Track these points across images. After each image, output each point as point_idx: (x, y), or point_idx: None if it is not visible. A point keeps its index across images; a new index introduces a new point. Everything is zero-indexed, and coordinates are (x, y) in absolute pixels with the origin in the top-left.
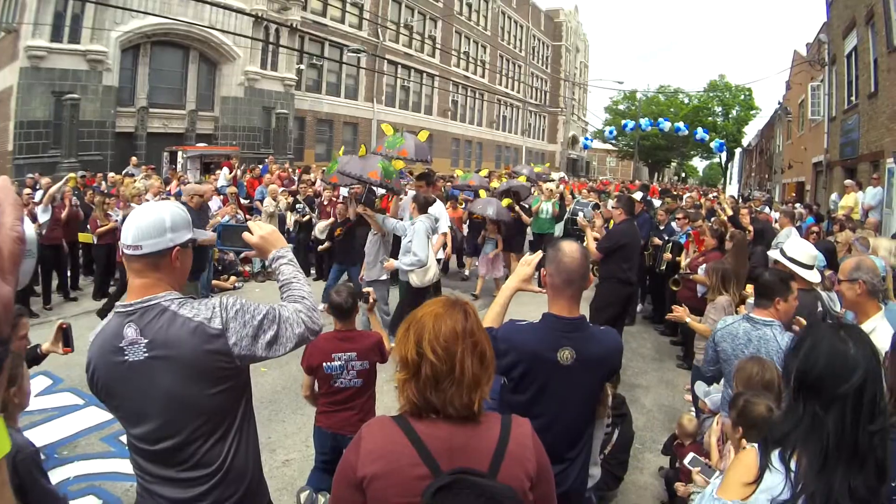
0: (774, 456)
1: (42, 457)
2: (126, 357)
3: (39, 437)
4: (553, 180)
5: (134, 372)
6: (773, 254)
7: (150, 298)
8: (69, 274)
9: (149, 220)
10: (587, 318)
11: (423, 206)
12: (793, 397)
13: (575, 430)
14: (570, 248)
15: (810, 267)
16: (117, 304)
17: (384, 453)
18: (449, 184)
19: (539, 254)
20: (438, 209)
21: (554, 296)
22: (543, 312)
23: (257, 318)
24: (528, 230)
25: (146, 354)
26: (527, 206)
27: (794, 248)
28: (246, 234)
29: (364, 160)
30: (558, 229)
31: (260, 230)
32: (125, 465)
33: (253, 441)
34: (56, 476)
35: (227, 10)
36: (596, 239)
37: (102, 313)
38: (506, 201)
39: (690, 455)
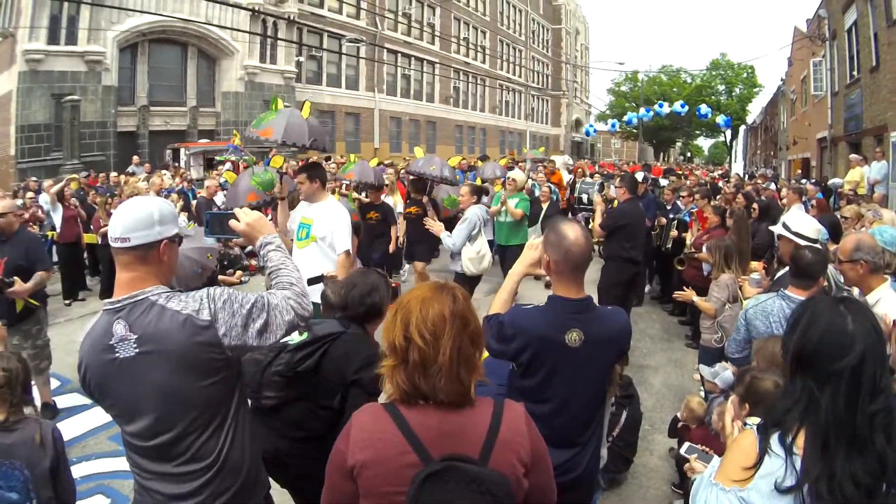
0: (774, 439)
1: None
2: (117, 354)
3: None
4: (513, 168)
5: (125, 369)
6: (777, 228)
7: (138, 293)
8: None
9: (137, 212)
10: (591, 298)
11: (475, 193)
12: (791, 375)
13: (586, 412)
14: (573, 232)
15: (815, 241)
16: (105, 301)
17: (373, 441)
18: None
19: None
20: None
21: (559, 279)
22: (549, 295)
23: (246, 307)
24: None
25: (136, 350)
26: (436, 199)
27: (797, 222)
28: (233, 222)
29: (235, 187)
30: (529, 234)
31: (246, 217)
32: None
33: (249, 432)
34: None
35: (224, 5)
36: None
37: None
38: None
39: (686, 444)
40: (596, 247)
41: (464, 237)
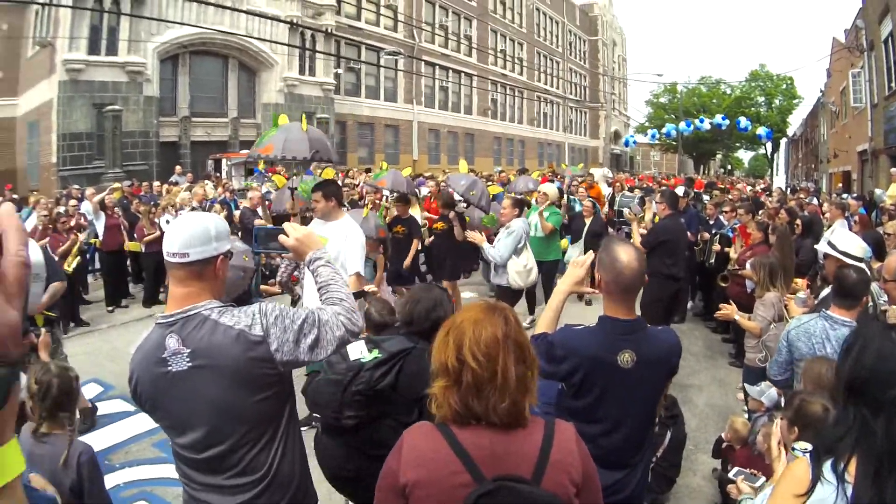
0: (826, 467)
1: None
2: (169, 368)
3: (93, 443)
4: (552, 180)
5: (178, 382)
6: (823, 247)
7: (191, 308)
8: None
9: (195, 228)
10: (641, 319)
11: (517, 205)
12: (843, 402)
13: (638, 434)
14: (627, 255)
15: (861, 259)
16: (158, 315)
17: (425, 461)
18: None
19: (591, 254)
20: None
21: (610, 299)
22: (599, 315)
23: (297, 322)
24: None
25: (189, 364)
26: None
27: (843, 241)
28: (282, 237)
29: (281, 193)
30: (572, 250)
31: (295, 232)
32: (175, 470)
33: (299, 446)
34: (108, 483)
35: (263, 18)
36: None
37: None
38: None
39: (735, 469)
40: None
41: (510, 249)
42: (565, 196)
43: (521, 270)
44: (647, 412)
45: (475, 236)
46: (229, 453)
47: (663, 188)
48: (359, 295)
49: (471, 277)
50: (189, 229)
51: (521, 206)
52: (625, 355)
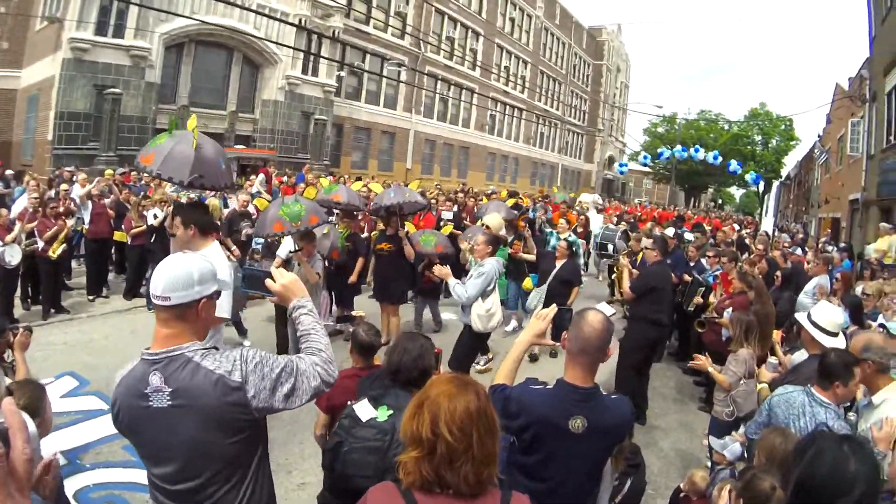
0: None
1: (65, 461)
2: (150, 403)
3: (63, 440)
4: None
5: (157, 417)
6: (800, 317)
7: (175, 349)
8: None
9: (178, 272)
10: (598, 387)
11: (492, 242)
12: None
13: (580, 495)
14: (593, 317)
15: (834, 334)
16: (144, 351)
17: None
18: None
19: (554, 308)
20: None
21: (570, 362)
22: (557, 378)
23: (276, 370)
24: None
25: (170, 402)
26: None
27: (820, 315)
28: (269, 282)
29: (264, 214)
30: (533, 296)
31: (282, 278)
32: (144, 476)
33: (267, 486)
34: (77, 483)
35: (271, 19)
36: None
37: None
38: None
39: None
40: (621, 307)
41: (478, 291)
42: (537, 226)
43: (483, 314)
44: (591, 477)
45: (442, 271)
46: (201, 489)
47: (655, 234)
48: (345, 319)
49: (451, 299)
50: (172, 273)
51: (497, 243)
52: (576, 421)
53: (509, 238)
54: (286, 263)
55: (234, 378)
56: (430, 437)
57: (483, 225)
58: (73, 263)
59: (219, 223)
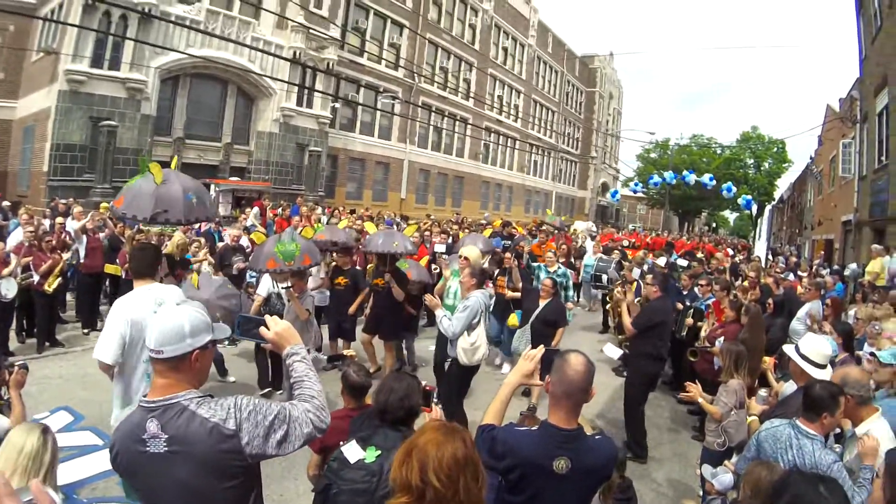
0: None
1: (61, 496)
2: (147, 448)
3: (60, 475)
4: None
5: (154, 462)
6: (788, 349)
7: (172, 397)
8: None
9: (170, 326)
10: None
11: (477, 276)
12: None
13: None
14: (576, 360)
15: (822, 366)
16: (142, 399)
17: None
18: None
19: (541, 348)
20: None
21: (554, 404)
22: (542, 420)
23: (269, 418)
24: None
25: (166, 448)
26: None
27: (808, 347)
28: (263, 329)
29: (259, 249)
30: (519, 336)
31: (276, 326)
32: None
33: None
34: None
35: (266, 55)
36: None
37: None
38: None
39: None
40: (615, 337)
41: (464, 325)
42: (525, 260)
43: (468, 348)
44: None
45: (432, 302)
46: None
47: (655, 270)
48: (336, 358)
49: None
50: (163, 327)
51: (483, 277)
52: (560, 462)
53: (494, 272)
54: (266, 301)
55: (229, 426)
56: (419, 484)
57: (461, 257)
58: (69, 296)
59: (176, 260)
